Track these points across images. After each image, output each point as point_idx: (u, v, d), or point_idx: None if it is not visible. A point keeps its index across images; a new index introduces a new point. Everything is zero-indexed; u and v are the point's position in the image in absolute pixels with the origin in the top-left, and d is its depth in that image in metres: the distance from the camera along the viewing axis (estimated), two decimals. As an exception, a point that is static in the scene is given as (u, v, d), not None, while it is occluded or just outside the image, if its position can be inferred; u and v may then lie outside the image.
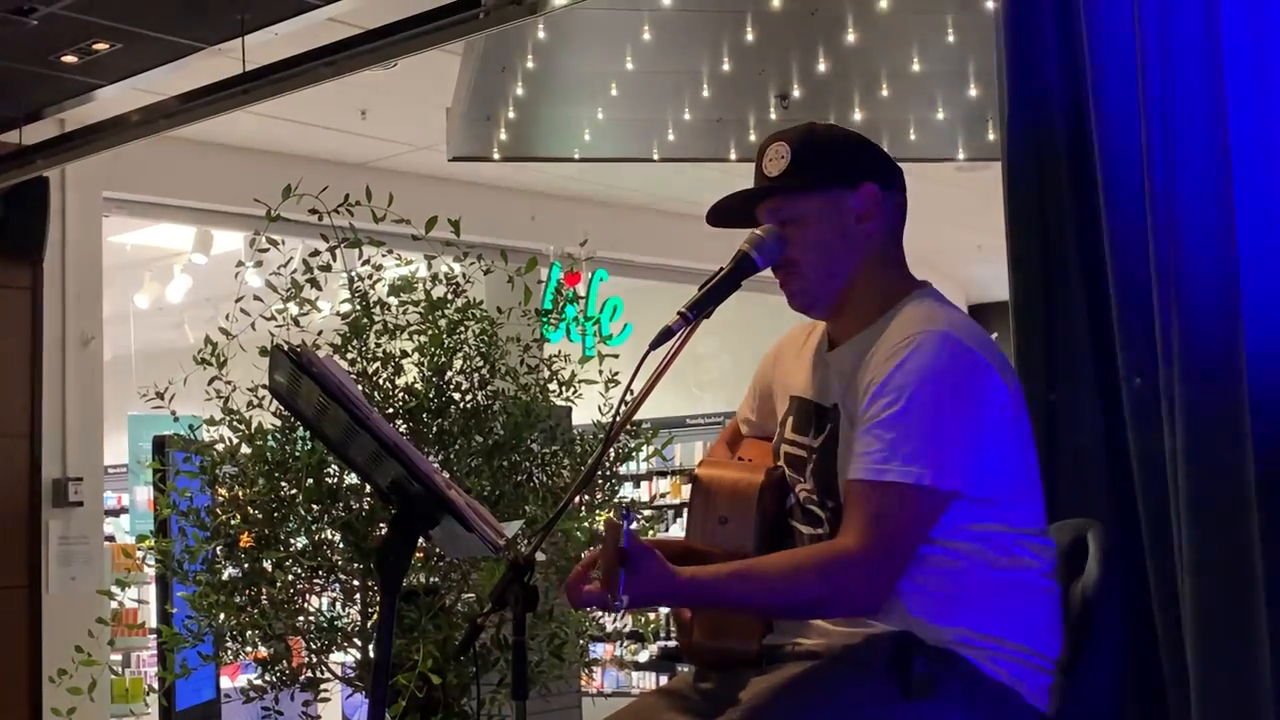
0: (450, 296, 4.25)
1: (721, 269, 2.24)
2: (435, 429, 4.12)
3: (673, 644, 9.81)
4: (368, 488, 3.93)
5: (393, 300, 4.26)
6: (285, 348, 2.10)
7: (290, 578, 4.12)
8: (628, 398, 2.19)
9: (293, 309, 4.21)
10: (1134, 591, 2.50)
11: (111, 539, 9.89)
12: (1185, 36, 2.42)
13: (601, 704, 7.16)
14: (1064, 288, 2.73)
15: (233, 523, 4.14)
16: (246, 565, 4.13)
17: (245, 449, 4.13)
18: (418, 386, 4.14)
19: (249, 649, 4.22)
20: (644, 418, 4.57)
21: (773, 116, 6.81)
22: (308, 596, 4.19)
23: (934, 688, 2.08)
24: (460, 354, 4.21)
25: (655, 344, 2.17)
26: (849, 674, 2.11)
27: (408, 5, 4.93)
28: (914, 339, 2.13)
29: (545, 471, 4.29)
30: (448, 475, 2.28)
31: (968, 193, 8.06)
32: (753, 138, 7.12)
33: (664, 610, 4.53)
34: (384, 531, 3.60)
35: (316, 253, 4.20)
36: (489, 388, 4.24)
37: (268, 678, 4.16)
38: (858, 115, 6.76)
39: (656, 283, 10.33)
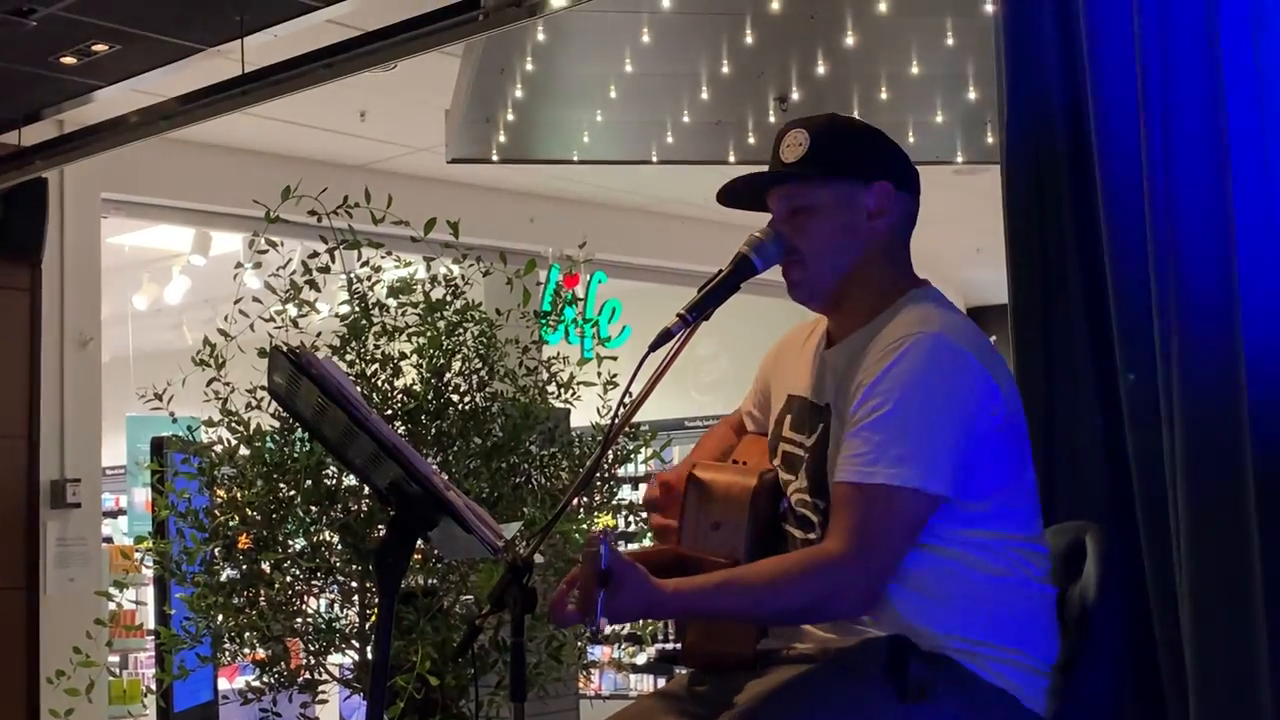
0: (449, 298, 4.25)
1: (721, 271, 2.23)
2: (434, 430, 4.12)
3: (670, 647, 9.77)
4: (366, 489, 3.93)
5: (391, 302, 4.26)
6: (284, 349, 2.10)
7: (288, 579, 4.12)
8: (626, 400, 2.19)
9: (291, 310, 4.21)
10: (1132, 593, 2.50)
11: (109, 540, 9.89)
12: (1185, 37, 2.42)
13: (599, 706, 7.16)
14: (1063, 290, 2.72)
15: (231, 524, 4.14)
16: (245, 567, 4.13)
17: (244, 450, 4.13)
18: (416, 388, 4.14)
19: (247, 650, 4.22)
20: (643, 420, 4.57)
21: (771, 119, 6.81)
22: (306, 598, 4.19)
23: (930, 691, 2.07)
24: (459, 356, 4.21)
25: (654, 346, 2.16)
26: (845, 677, 2.10)
27: (407, 7, 4.93)
28: (907, 340, 2.12)
29: (544, 473, 4.29)
30: (446, 477, 2.28)
31: (966, 195, 8.06)
32: (752, 140, 7.12)
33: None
34: (382, 533, 3.60)
35: (315, 254, 4.20)
36: (487, 389, 4.24)
37: (266, 679, 4.16)
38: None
39: (655, 285, 10.33)
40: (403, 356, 4.21)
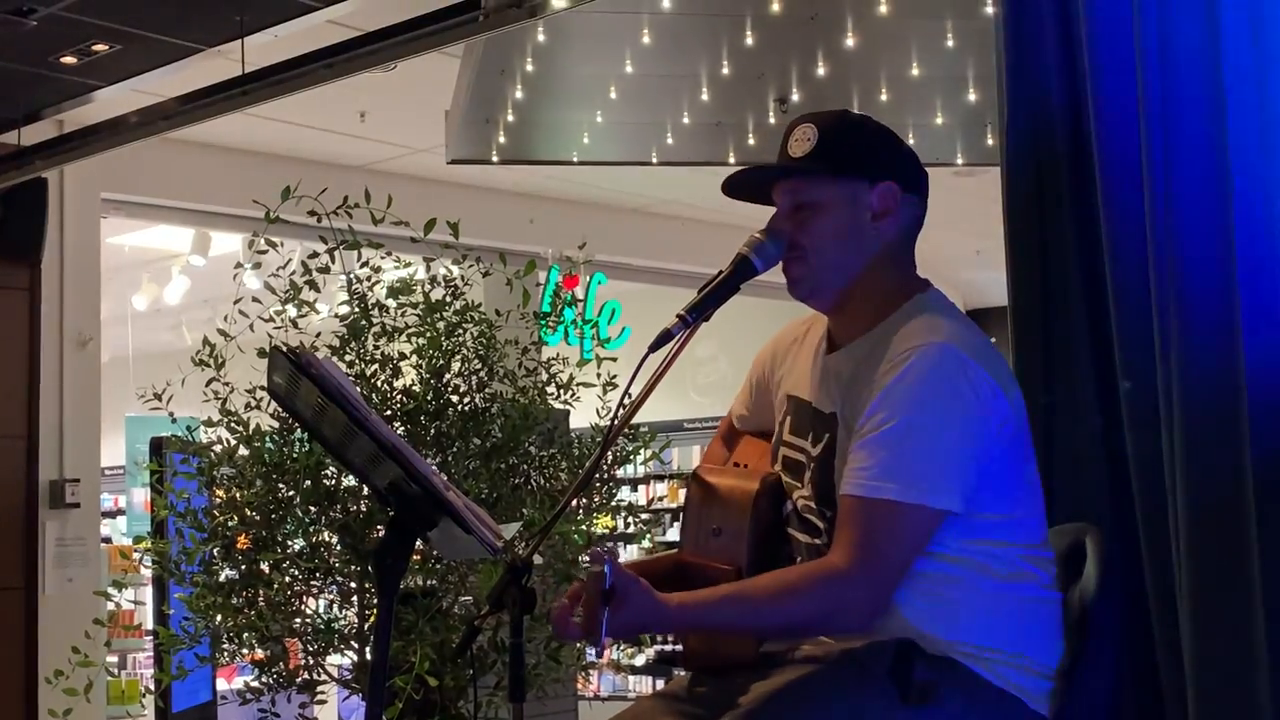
0: (449, 299, 4.25)
1: (720, 272, 2.22)
2: (433, 431, 4.12)
3: (669, 648, 9.79)
4: (365, 490, 3.92)
5: (391, 302, 4.26)
6: (284, 349, 2.09)
7: (287, 579, 4.12)
8: (626, 401, 2.18)
9: (291, 311, 4.21)
10: (1132, 595, 2.50)
11: (108, 540, 9.89)
12: (1185, 37, 2.42)
13: (598, 707, 7.16)
14: (1063, 292, 2.72)
15: (230, 524, 4.14)
16: (244, 567, 4.13)
17: (243, 450, 4.13)
18: (416, 389, 4.14)
19: (246, 651, 4.22)
20: (642, 421, 4.57)
21: (771, 120, 6.81)
22: (305, 598, 4.19)
23: (934, 694, 2.06)
24: (458, 356, 4.21)
25: (654, 347, 2.15)
26: (849, 679, 2.09)
27: (407, 7, 4.93)
28: (914, 352, 2.10)
29: (543, 474, 4.29)
30: (445, 477, 2.27)
31: (966, 197, 8.06)
32: (752, 141, 7.13)
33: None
34: (381, 533, 3.60)
35: (315, 254, 4.20)
36: (487, 390, 4.24)
37: (264, 679, 4.16)
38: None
39: (655, 286, 10.34)
40: (402, 357, 4.21)
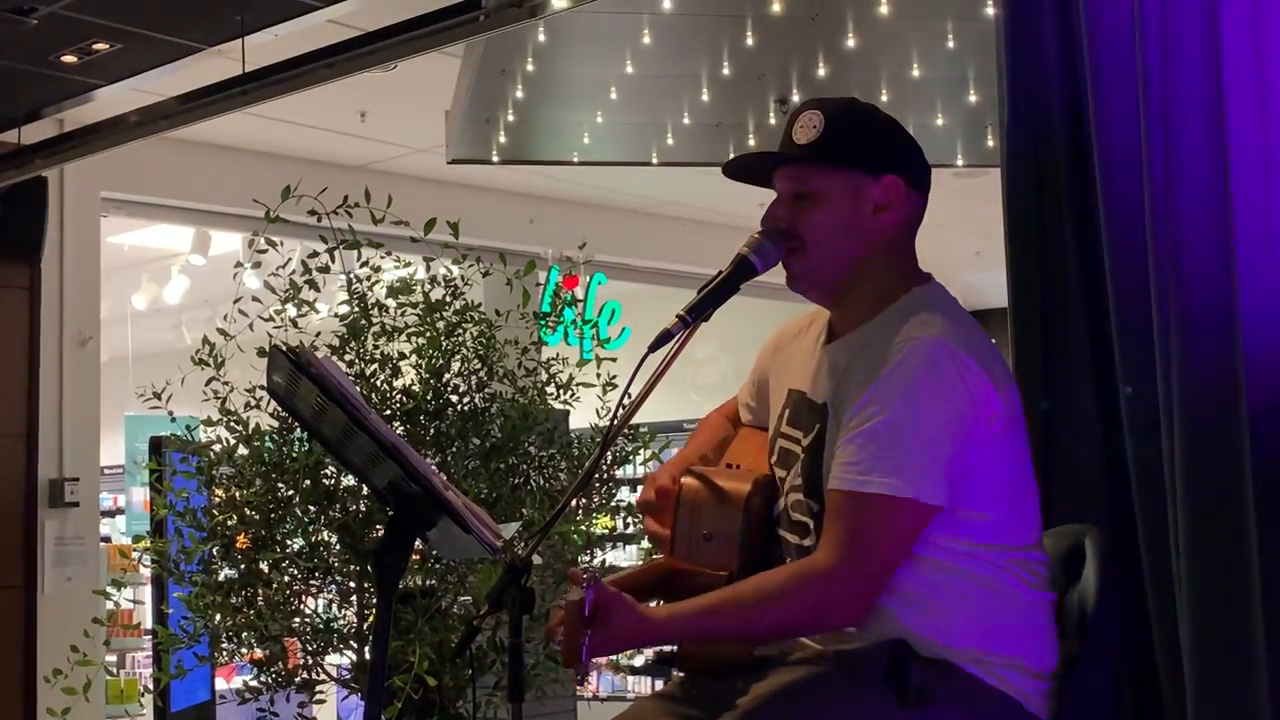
0: (448, 299, 4.25)
1: (720, 272, 2.21)
2: (433, 431, 4.12)
3: (667, 649, 9.77)
4: (365, 489, 3.92)
5: (391, 302, 4.26)
6: (283, 348, 2.09)
7: (286, 579, 4.12)
8: (625, 401, 2.18)
9: (291, 310, 4.21)
10: (1132, 595, 2.49)
11: (107, 539, 9.88)
12: (1185, 37, 2.42)
13: (597, 708, 7.15)
14: (1062, 294, 2.72)
15: (229, 524, 4.14)
16: (243, 566, 4.13)
17: (242, 450, 4.13)
18: (415, 388, 4.14)
19: (245, 650, 4.22)
20: (642, 421, 4.57)
21: (772, 121, 6.81)
22: (304, 598, 4.19)
23: (930, 697, 2.06)
24: (458, 356, 4.21)
25: (653, 347, 2.15)
26: (845, 682, 2.09)
27: (407, 7, 4.92)
28: (906, 345, 2.09)
29: (542, 474, 4.28)
30: (445, 477, 2.27)
31: (966, 198, 8.06)
32: (752, 142, 7.12)
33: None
34: (381, 533, 3.60)
35: (315, 254, 4.20)
36: (486, 390, 4.24)
37: (263, 679, 4.15)
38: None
39: (655, 286, 10.33)
40: (402, 357, 4.21)
